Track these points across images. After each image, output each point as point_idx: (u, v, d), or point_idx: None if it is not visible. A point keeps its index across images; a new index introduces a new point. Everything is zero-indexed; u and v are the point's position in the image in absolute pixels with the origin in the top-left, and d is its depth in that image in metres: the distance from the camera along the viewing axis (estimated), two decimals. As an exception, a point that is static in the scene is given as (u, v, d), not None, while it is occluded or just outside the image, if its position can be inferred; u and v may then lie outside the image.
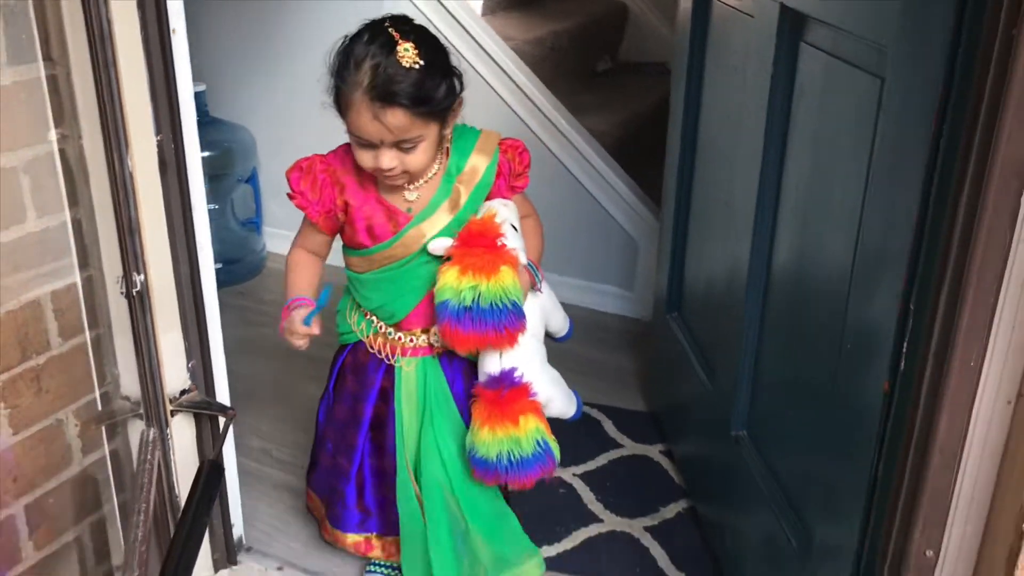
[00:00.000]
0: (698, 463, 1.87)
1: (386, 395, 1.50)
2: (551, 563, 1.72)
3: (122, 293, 1.32)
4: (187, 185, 1.40)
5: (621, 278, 2.61)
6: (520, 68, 2.52)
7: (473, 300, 1.29)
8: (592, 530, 1.82)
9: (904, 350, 0.99)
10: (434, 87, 1.25)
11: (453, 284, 1.30)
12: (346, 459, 1.56)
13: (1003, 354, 0.84)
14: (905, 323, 0.99)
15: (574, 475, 1.97)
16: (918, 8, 0.96)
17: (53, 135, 1.28)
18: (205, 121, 2.58)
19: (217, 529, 1.61)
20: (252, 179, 2.82)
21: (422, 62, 1.22)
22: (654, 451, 2.06)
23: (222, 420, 1.49)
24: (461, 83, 1.32)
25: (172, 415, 1.45)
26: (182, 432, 1.49)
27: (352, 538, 1.61)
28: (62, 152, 1.30)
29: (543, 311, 1.51)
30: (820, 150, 1.28)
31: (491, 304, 1.29)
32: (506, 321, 1.31)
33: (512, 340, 1.34)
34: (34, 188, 1.27)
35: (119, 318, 1.40)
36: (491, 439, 1.36)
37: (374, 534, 1.60)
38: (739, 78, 1.55)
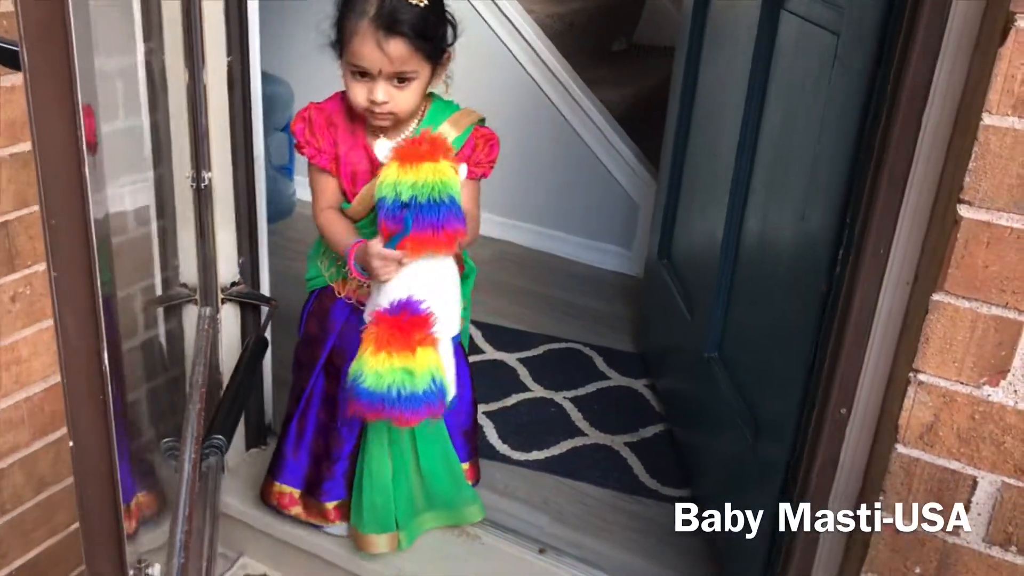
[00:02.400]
0: (677, 393, 2.10)
1: (345, 341, 1.51)
2: (539, 465, 1.96)
3: (192, 187, 1.55)
4: (249, 102, 1.63)
5: (621, 237, 2.84)
6: (540, 38, 2.75)
7: (411, 196, 1.26)
8: (577, 441, 2.05)
9: (839, 257, 1.22)
10: (435, 26, 1.33)
11: (391, 180, 1.27)
12: (292, 402, 1.60)
13: (904, 246, 1.07)
14: (841, 235, 1.21)
15: (564, 398, 2.20)
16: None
17: (140, 48, 1.52)
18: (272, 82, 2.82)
19: (252, 411, 1.84)
20: (286, 128, 3.06)
21: (427, 1, 1.30)
22: (639, 384, 2.28)
23: (264, 311, 1.72)
24: (455, 34, 1.38)
25: (222, 303, 1.68)
26: (229, 319, 1.72)
27: (279, 488, 1.63)
28: (147, 64, 1.53)
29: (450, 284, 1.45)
30: (789, 104, 1.50)
31: (429, 199, 1.26)
32: (444, 219, 1.27)
33: (451, 244, 1.30)
34: (125, 92, 1.50)
35: (183, 214, 1.63)
36: (385, 368, 1.28)
37: (299, 491, 1.63)
38: (729, 47, 1.78)
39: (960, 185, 0.95)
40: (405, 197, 1.26)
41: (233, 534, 1.78)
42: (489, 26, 2.74)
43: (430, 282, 1.36)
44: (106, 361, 0.59)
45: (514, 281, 2.76)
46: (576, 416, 2.14)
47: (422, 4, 1.30)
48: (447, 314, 1.39)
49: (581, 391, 2.23)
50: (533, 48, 2.74)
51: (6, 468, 1.45)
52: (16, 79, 1.22)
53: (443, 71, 1.39)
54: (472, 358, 2.30)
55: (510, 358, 2.34)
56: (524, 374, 2.28)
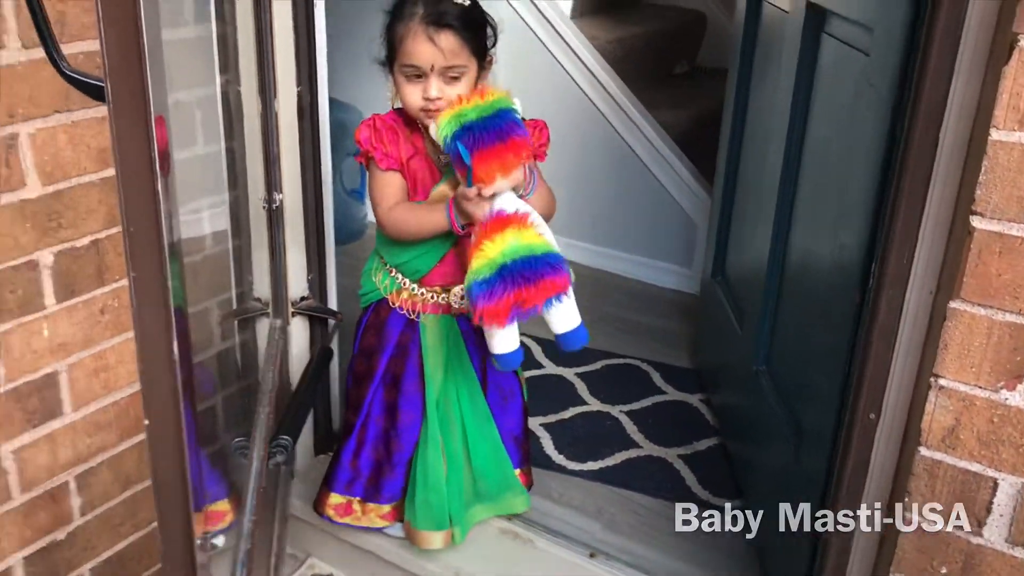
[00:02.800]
0: (729, 406, 2.15)
1: (403, 351, 1.60)
2: (594, 475, 2.02)
3: (264, 208, 1.67)
4: (317, 129, 1.75)
5: (680, 256, 2.89)
6: (599, 62, 2.83)
7: (469, 122, 1.34)
8: (632, 453, 2.10)
9: (872, 270, 1.27)
10: (479, 22, 1.43)
11: (448, 116, 1.36)
12: (353, 413, 1.66)
13: (926, 257, 1.11)
14: (872, 250, 1.26)
15: (620, 411, 2.26)
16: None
17: (218, 80, 1.65)
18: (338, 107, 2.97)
19: (320, 419, 1.95)
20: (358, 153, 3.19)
21: (468, 2, 1.41)
22: (694, 399, 2.33)
23: (330, 323, 1.83)
24: (496, 36, 1.47)
25: (292, 316, 1.80)
26: (298, 331, 1.83)
27: (335, 499, 1.69)
28: (224, 94, 1.66)
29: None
30: (828, 125, 1.55)
31: (485, 116, 1.34)
32: (506, 128, 1.35)
33: (519, 153, 1.37)
34: (203, 120, 1.63)
35: (257, 233, 1.76)
36: (496, 246, 1.33)
37: (357, 498, 1.69)
38: (775, 69, 1.83)
39: (972, 197, 1.00)
40: (465, 121, 1.33)
41: (302, 536, 1.89)
42: (550, 52, 2.84)
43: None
44: (176, 346, 0.69)
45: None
46: (631, 429, 2.19)
47: (465, 2, 1.41)
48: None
49: (637, 405, 2.29)
50: (591, 71, 2.83)
51: (95, 467, 1.57)
52: (104, 111, 1.35)
53: (486, 74, 1.48)
54: (530, 372, 2.39)
55: (568, 372, 2.41)
56: (582, 388, 2.35)
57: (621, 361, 2.49)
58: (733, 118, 2.17)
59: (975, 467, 1.09)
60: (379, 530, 1.73)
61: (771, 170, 1.80)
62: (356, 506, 1.69)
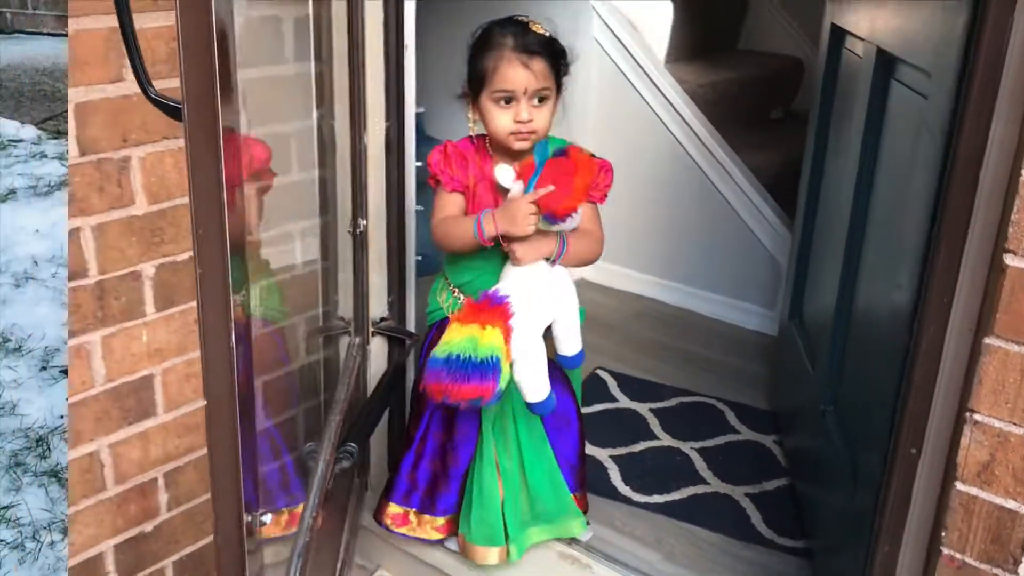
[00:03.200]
0: (800, 447, 2.14)
1: None
2: (658, 508, 2.05)
3: (349, 232, 1.79)
4: (403, 162, 1.86)
5: (765, 298, 2.90)
6: (688, 106, 2.89)
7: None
8: (699, 489, 2.12)
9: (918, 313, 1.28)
10: (560, 50, 1.56)
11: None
12: (414, 426, 1.76)
13: (966, 296, 1.13)
14: (920, 295, 1.28)
15: (692, 448, 2.28)
16: (944, 37, 1.27)
17: (314, 114, 1.78)
18: (421, 139, 3.10)
19: (394, 434, 2.04)
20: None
21: (550, 34, 1.55)
22: (768, 440, 2.33)
23: (408, 343, 1.93)
24: (568, 66, 1.58)
25: (372, 335, 1.91)
26: (377, 350, 1.94)
27: (393, 509, 1.77)
28: (319, 127, 1.80)
29: (552, 297, 1.60)
30: (894, 170, 1.58)
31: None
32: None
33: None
34: (299, 150, 1.77)
35: (343, 256, 1.88)
36: (454, 336, 1.43)
37: (413, 509, 1.77)
38: (849, 115, 1.86)
39: (1006, 236, 1.03)
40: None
41: (372, 547, 1.98)
42: (639, 93, 2.92)
43: (528, 290, 1.53)
44: (234, 339, 0.79)
45: (655, 336, 2.88)
46: (700, 465, 2.21)
47: (547, 34, 1.54)
48: (554, 331, 1.59)
49: (709, 443, 2.31)
50: (680, 114, 2.89)
51: (183, 466, 1.70)
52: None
53: (559, 101, 1.58)
54: (603, 406, 2.44)
55: (642, 407, 2.45)
56: (654, 423, 2.39)
57: (697, 399, 2.51)
58: (812, 162, 2.20)
59: (1011, 504, 1.09)
60: (439, 542, 1.80)
61: (842, 212, 1.82)
62: (412, 517, 1.77)
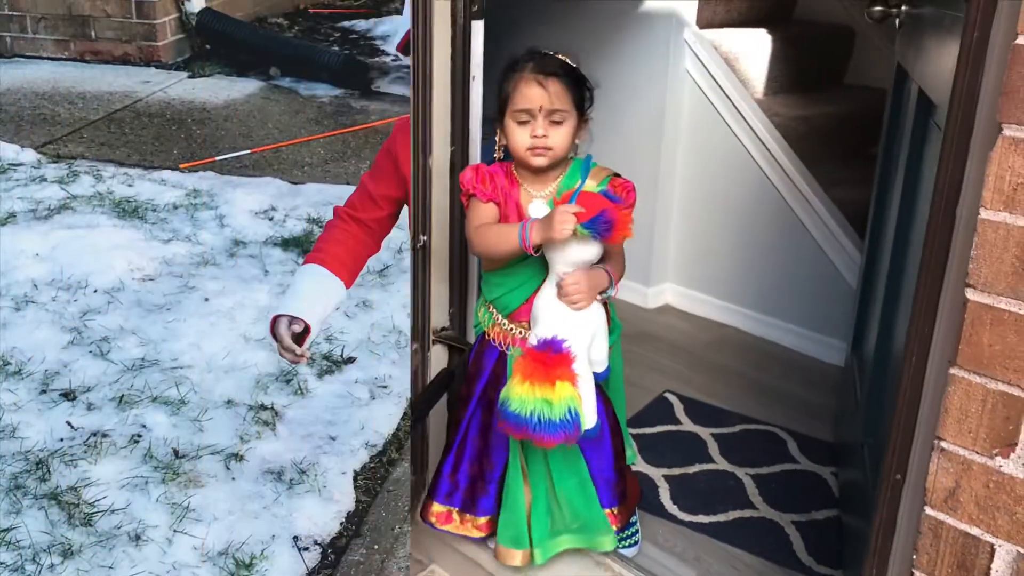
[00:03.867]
0: (849, 479, 2.16)
1: (497, 379, 1.75)
2: (703, 527, 2.11)
3: (410, 247, 1.94)
4: (467, 183, 2.00)
5: (842, 331, 2.89)
6: (775, 138, 2.93)
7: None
8: (746, 513, 2.17)
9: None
10: (580, 77, 1.64)
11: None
12: (454, 431, 1.85)
13: (944, 329, 1.17)
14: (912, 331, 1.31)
15: (746, 473, 2.32)
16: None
17: (387, 138, 1.95)
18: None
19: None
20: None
21: (571, 64, 1.65)
22: (825, 471, 2.35)
23: (465, 351, 2.07)
24: (592, 99, 1.67)
25: (433, 343, 2.05)
26: (438, 357, 2.08)
27: (436, 508, 1.86)
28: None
29: (596, 326, 1.67)
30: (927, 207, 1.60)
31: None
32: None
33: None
34: (369, 170, 1.93)
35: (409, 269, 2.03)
36: (527, 395, 1.51)
37: (456, 508, 1.87)
38: (901, 155, 1.89)
39: (966, 271, 1.07)
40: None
41: (426, 543, 2.11)
42: (727, 124, 2.99)
43: (575, 325, 1.60)
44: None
45: (730, 363, 2.91)
46: (752, 491, 2.25)
47: (568, 59, 1.65)
48: (589, 353, 1.64)
49: (764, 470, 2.34)
50: (766, 146, 2.93)
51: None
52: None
53: (584, 131, 1.67)
54: (666, 427, 2.51)
55: (703, 431, 2.50)
56: (713, 447, 2.43)
57: (759, 427, 2.54)
58: (876, 202, 2.22)
59: (975, 531, 1.13)
60: (482, 540, 1.92)
61: (889, 250, 1.85)
62: (455, 516, 1.88)
